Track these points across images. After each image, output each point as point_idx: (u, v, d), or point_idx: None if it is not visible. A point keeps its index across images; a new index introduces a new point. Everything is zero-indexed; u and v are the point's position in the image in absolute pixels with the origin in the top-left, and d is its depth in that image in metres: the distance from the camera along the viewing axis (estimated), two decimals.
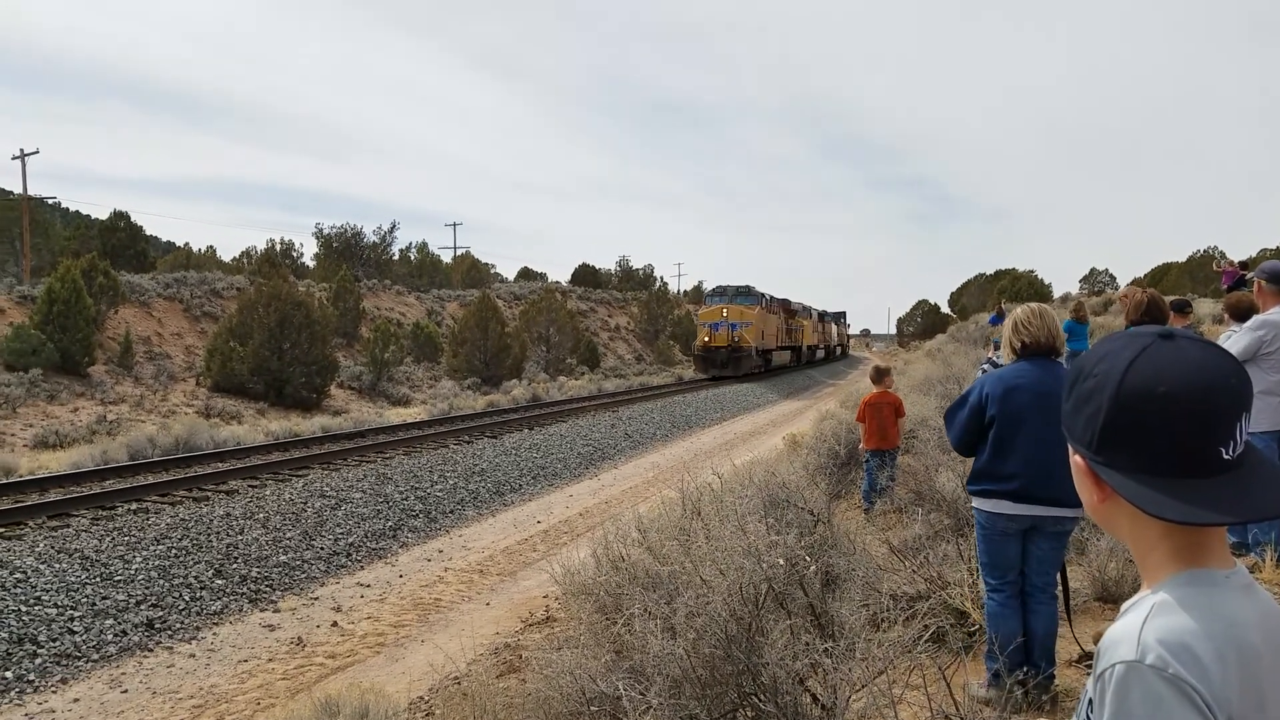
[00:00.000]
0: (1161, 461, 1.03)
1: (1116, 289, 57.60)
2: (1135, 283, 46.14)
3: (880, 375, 8.72)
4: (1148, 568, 1.11)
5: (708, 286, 50.10)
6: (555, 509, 12.63)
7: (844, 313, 76.34)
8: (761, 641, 3.47)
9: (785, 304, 42.73)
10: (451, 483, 12.70)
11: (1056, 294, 57.51)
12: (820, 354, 58.77)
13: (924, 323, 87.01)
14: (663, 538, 4.71)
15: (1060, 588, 4.02)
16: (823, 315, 58.69)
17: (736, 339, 34.16)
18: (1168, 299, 7.93)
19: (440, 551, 10.18)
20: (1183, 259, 60.99)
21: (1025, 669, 3.75)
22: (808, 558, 3.96)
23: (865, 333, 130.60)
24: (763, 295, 37.58)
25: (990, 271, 76.23)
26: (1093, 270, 72.64)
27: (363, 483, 11.54)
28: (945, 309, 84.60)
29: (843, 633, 3.79)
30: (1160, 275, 57.21)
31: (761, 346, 36.10)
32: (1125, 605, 1.10)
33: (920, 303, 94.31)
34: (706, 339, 34.63)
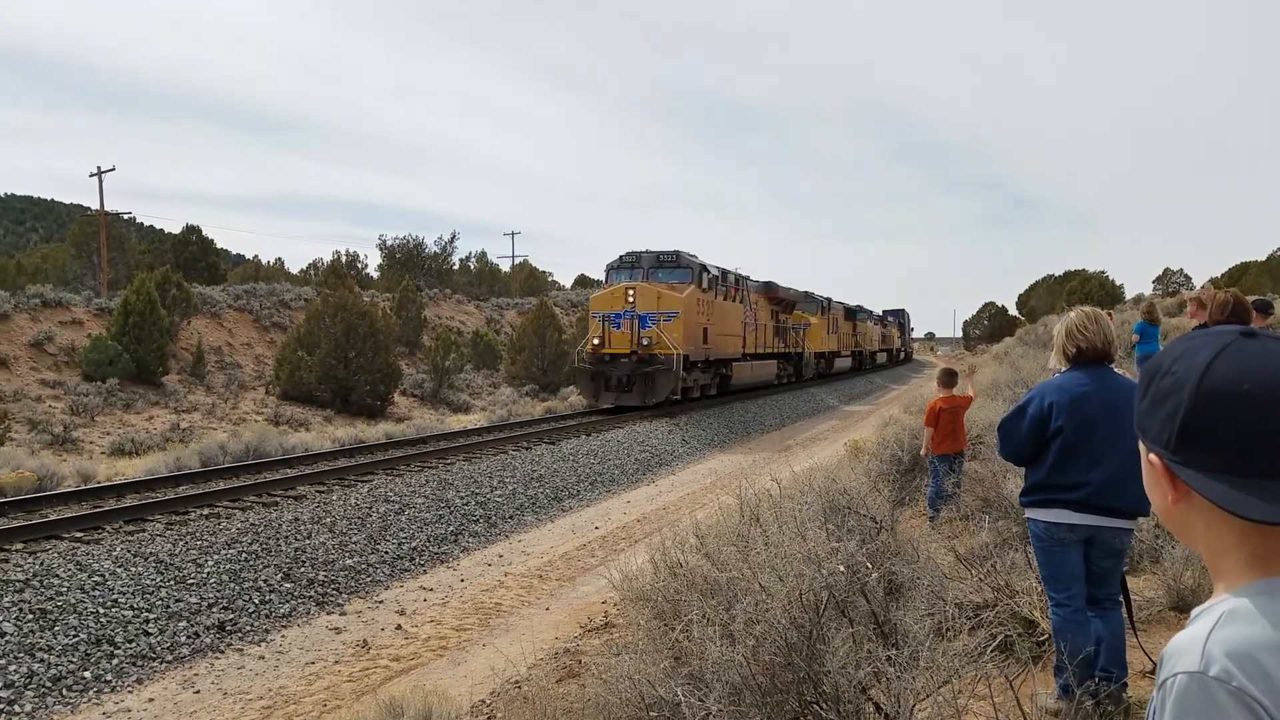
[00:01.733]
0: (1243, 460, 0.99)
1: (1192, 289, 55.71)
2: (1212, 283, 44.57)
3: (949, 378, 8.60)
4: (1220, 574, 1.06)
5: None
6: (613, 515, 12.65)
7: (902, 310, 70.00)
8: (823, 649, 3.42)
9: (771, 290, 29.63)
10: (511, 488, 12.81)
11: (1129, 295, 55.84)
12: (862, 360, 47.44)
13: (990, 325, 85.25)
14: (721, 544, 4.67)
15: (1122, 598, 3.93)
16: (862, 314, 48.16)
17: (647, 342, 20.43)
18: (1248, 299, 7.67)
19: (500, 556, 10.26)
20: (1262, 258, 58.72)
21: (1096, 679, 3.63)
22: (869, 565, 3.89)
23: (931, 336, 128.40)
24: (705, 268, 22.61)
25: (1059, 273, 74.32)
26: (1166, 270, 70.32)
27: (425, 488, 11.70)
28: (1013, 311, 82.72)
29: (907, 641, 3.71)
30: (1238, 275, 55.15)
31: (715, 353, 23.15)
32: (1194, 612, 1.06)
33: (986, 305, 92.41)
34: (597, 340, 20.82)
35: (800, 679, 3.38)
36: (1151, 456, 1.10)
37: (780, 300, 31.21)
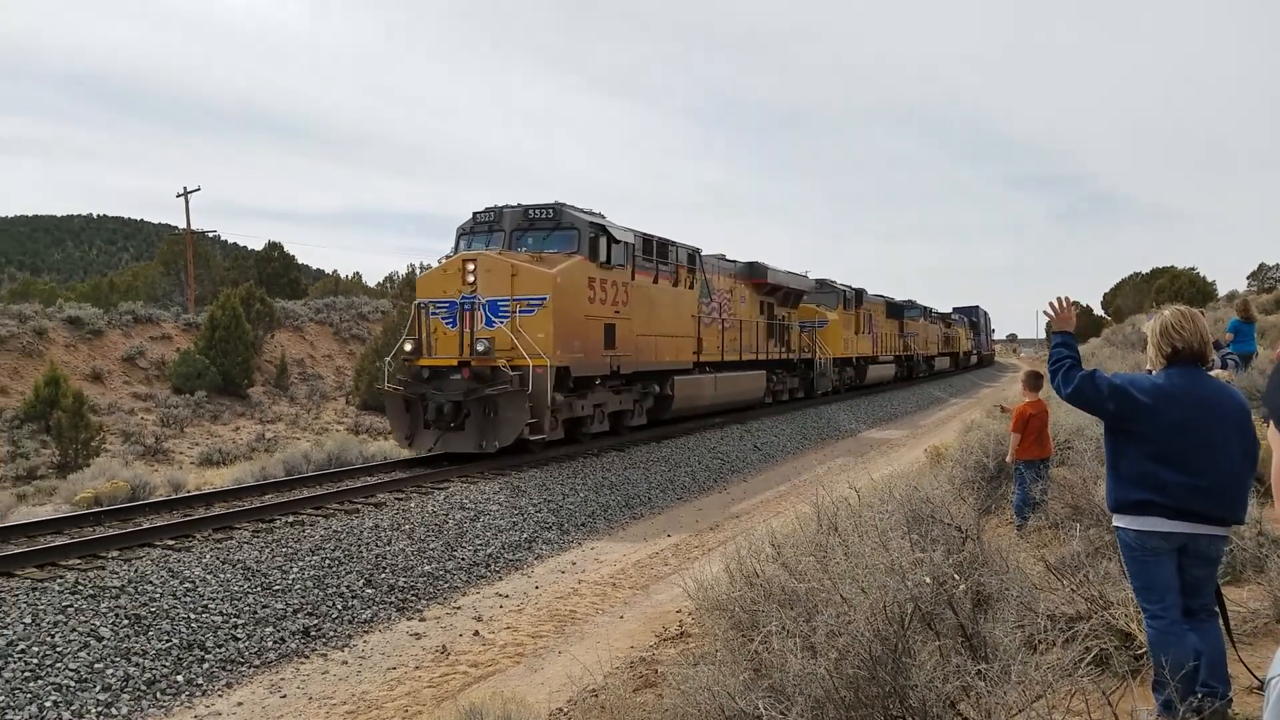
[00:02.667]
0: None
1: None
2: None
3: (1035, 381, 8.34)
4: None
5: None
6: (684, 522, 12.58)
7: (976, 308, 62.50)
8: (908, 663, 3.31)
9: (757, 274, 22.13)
10: (582, 496, 12.83)
11: (1221, 291, 53.55)
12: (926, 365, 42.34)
13: (1076, 326, 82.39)
14: (798, 553, 4.59)
15: (1218, 609, 3.78)
16: (912, 310, 40.47)
17: (483, 346, 12.78)
18: None
19: (573, 563, 10.29)
20: None
21: (1199, 695, 3.45)
22: (956, 576, 3.76)
23: (1013, 337, 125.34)
24: (606, 232, 14.63)
25: (1146, 270, 71.66)
26: (1262, 266, 67.22)
27: (499, 495, 11.81)
28: (1098, 311, 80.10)
29: (996, 654, 3.59)
30: None
31: (635, 362, 15.45)
32: None
33: (1061, 300, 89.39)
34: (410, 346, 13.52)
35: (886, 693, 3.28)
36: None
37: (774, 289, 22.95)
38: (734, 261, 21.54)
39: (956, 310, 58.76)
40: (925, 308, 43.61)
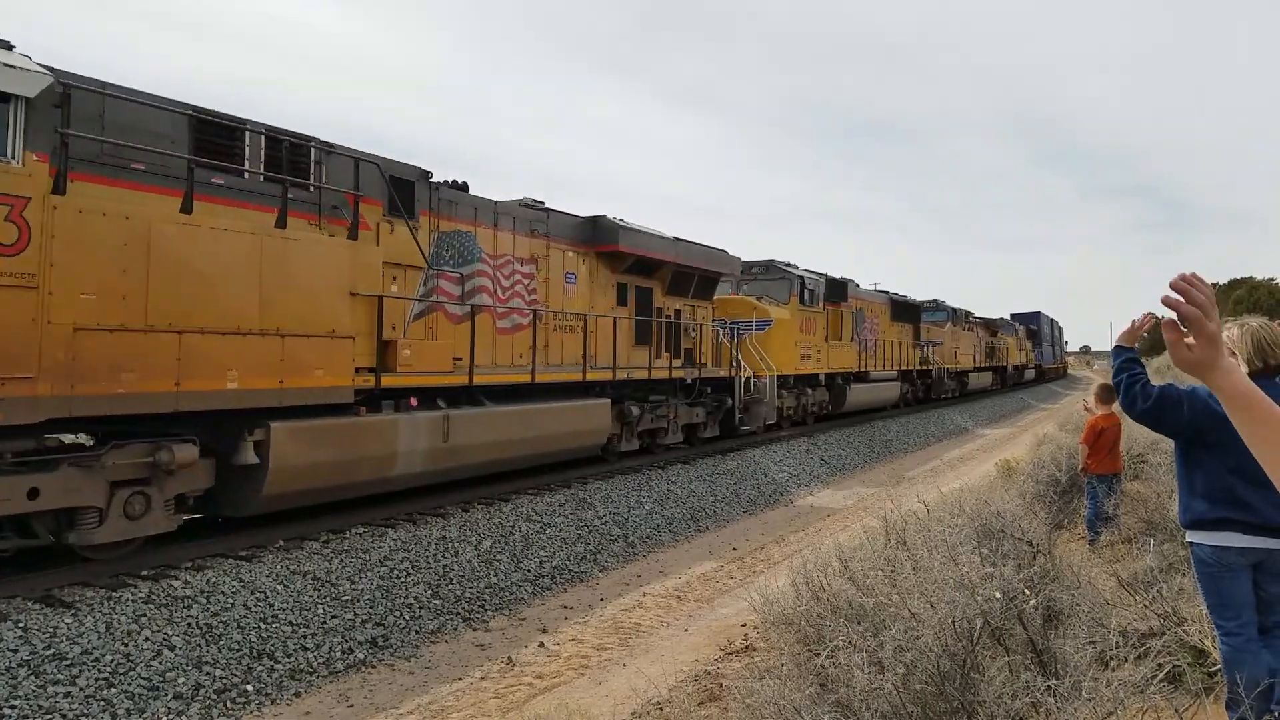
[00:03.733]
0: None
1: None
2: None
3: (1109, 394, 8.19)
4: None
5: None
6: (750, 535, 12.54)
7: (1037, 314, 55.89)
8: (977, 679, 3.28)
9: (603, 237, 14.13)
10: (647, 508, 12.88)
11: None
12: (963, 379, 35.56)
13: (1151, 338, 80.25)
14: (865, 568, 4.56)
15: None
16: (937, 313, 33.76)
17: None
18: None
19: (638, 576, 10.33)
20: None
21: (1275, 713, 3.37)
22: (1027, 591, 3.72)
23: (1085, 350, 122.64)
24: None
25: (1224, 281, 69.29)
26: None
27: (565, 506, 11.91)
28: None
29: (1067, 671, 3.54)
30: None
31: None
32: None
33: (1145, 316, 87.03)
34: None
35: (954, 709, 3.26)
36: None
37: (644, 264, 15.07)
38: (543, 210, 13.22)
39: (1014, 316, 52.71)
40: (955, 310, 35.50)
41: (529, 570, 9.95)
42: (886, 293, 29.35)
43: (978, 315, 41.07)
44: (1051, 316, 63.20)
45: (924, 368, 31.80)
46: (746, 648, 6.81)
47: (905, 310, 30.12)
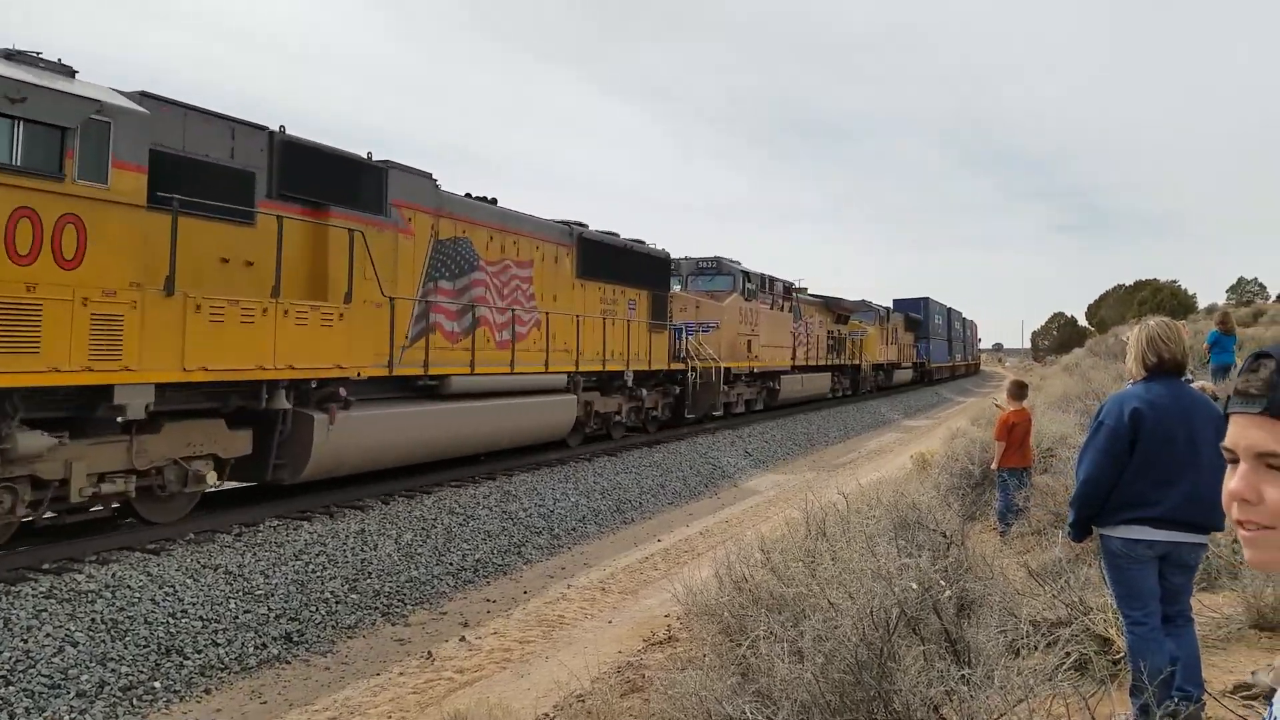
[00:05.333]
0: None
1: (1267, 298, 53.78)
2: None
3: (1020, 391, 8.50)
4: None
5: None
6: (675, 527, 12.62)
7: (924, 300, 45.89)
8: (893, 667, 3.34)
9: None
10: (573, 500, 12.84)
11: (1201, 304, 54.05)
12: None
13: (1060, 336, 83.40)
14: (787, 559, 4.62)
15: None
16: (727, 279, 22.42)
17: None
18: None
19: (562, 568, 10.29)
20: None
21: (1175, 699, 3.52)
22: (943, 581, 3.80)
23: (998, 347, 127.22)
24: None
25: (1129, 282, 72.25)
26: (1240, 279, 67.99)
27: (489, 499, 11.79)
28: (1083, 322, 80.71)
29: (979, 659, 3.63)
30: None
31: None
32: None
33: (1055, 315, 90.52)
34: None
35: (870, 697, 3.31)
36: None
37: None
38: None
39: (898, 303, 43.10)
40: (759, 277, 23.92)
41: (451, 564, 9.82)
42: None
43: (815, 293, 29.99)
44: (950, 306, 54.68)
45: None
46: (669, 639, 6.84)
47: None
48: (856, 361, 32.99)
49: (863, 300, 36.62)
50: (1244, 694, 4.10)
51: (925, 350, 45.45)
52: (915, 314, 44.64)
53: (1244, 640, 4.85)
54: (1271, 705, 0.99)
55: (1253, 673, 4.29)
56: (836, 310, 31.95)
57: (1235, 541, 5.71)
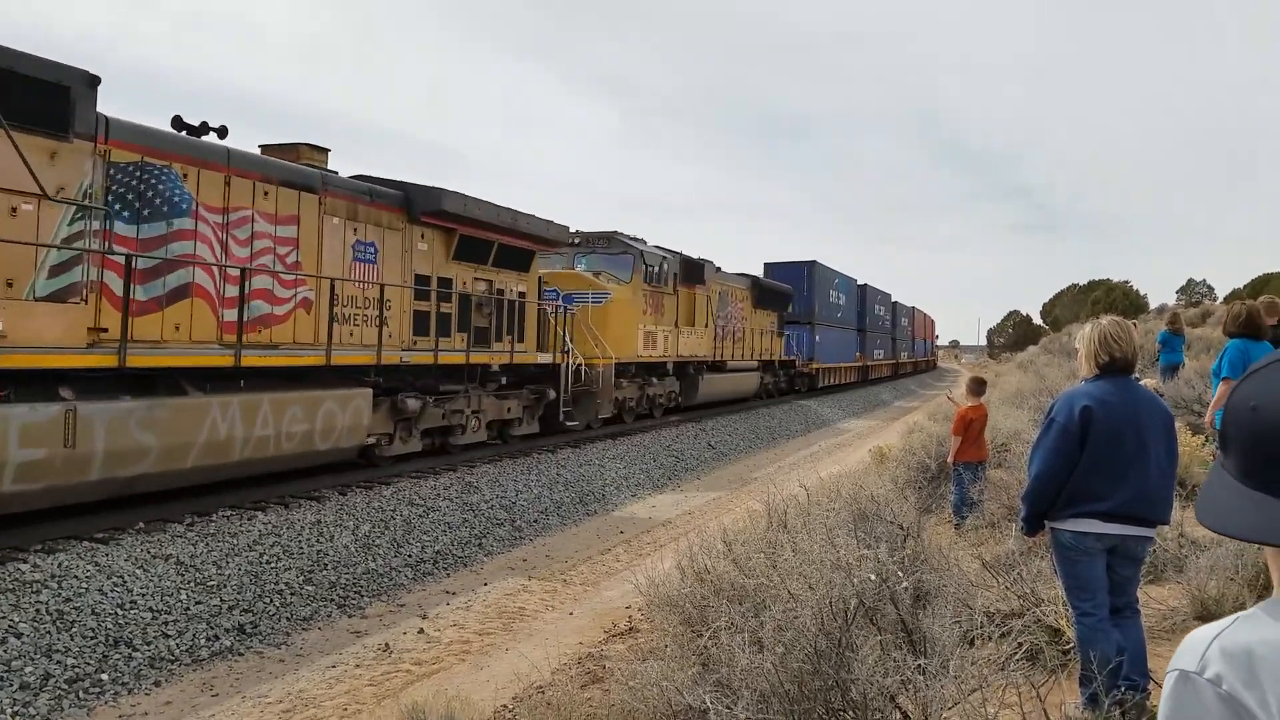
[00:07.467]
0: (1253, 477, 1.02)
1: (1215, 300, 55.24)
2: (1234, 295, 44.11)
3: (979, 387, 8.70)
4: (1274, 583, 1.07)
5: None
6: (638, 519, 12.63)
7: (809, 264, 31.36)
8: (851, 657, 3.38)
9: None
10: (536, 492, 12.80)
11: (1152, 304, 55.33)
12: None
13: (1015, 334, 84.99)
14: (748, 550, 4.65)
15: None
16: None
17: None
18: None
19: (524, 560, 10.26)
20: None
21: (1122, 689, 3.61)
22: (900, 573, 3.85)
23: (955, 344, 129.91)
24: None
25: (1083, 282, 73.73)
26: (1190, 281, 69.91)
27: (449, 490, 11.72)
28: (1037, 320, 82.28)
29: (935, 649, 3.68)
30: (1260, 287, 54.59)
31: None
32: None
33: (1011, 314, 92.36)
34: None
35: (828, 686, 3.35)
36: None
37: None
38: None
39: (772, 269, 30.66)
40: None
41: (410, 555, 9.74)
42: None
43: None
44: (890, 295, 47.84)
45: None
46: (630, 630, 6.86)
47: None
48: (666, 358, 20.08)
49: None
50: None
51: (802, 342, 30.67)
52: (784, 285, 28.76)
53: (1188, 631, 4.97)
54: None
55: None
56: (655, 275, 19.51)
57: (1181, 535, 5.86)
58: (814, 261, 32.55)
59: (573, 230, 17.69)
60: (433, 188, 12.31)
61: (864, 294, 40.62)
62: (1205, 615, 5.02)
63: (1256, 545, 1.12)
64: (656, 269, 19.31)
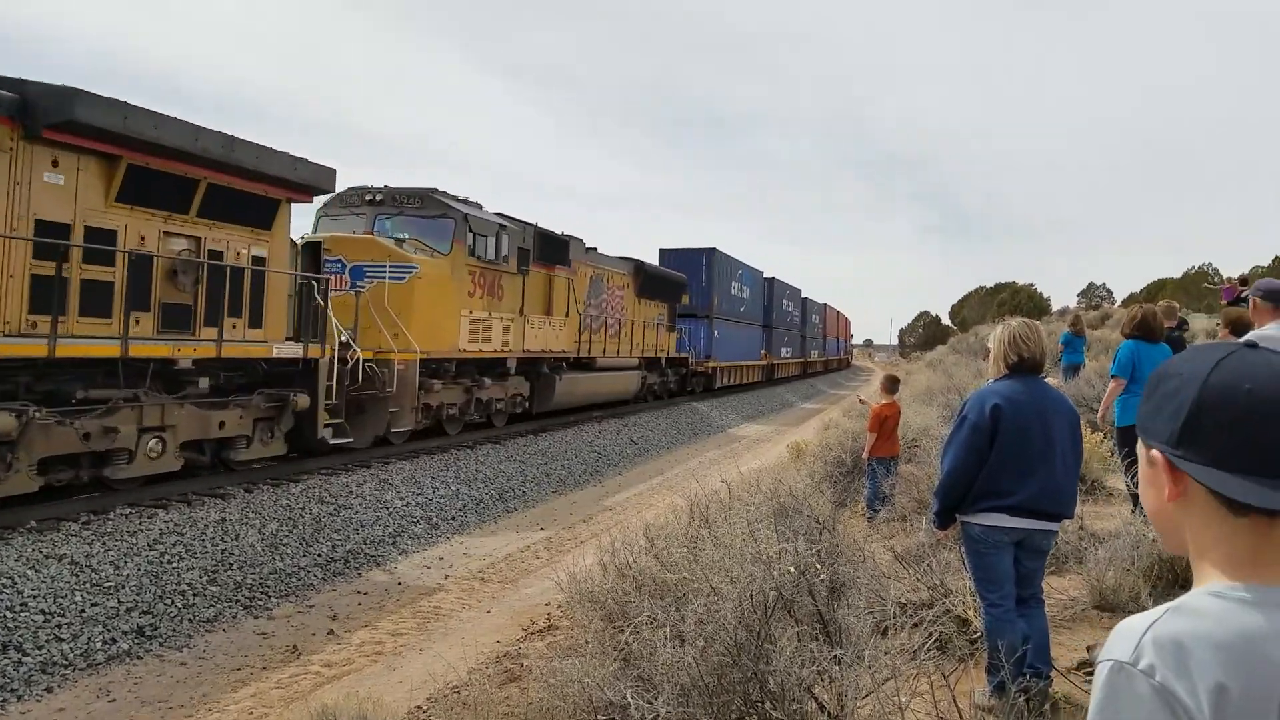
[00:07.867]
0: (1240, 457, 1.01)
1: (1114, 303, 57.89)
2: (1131, 299, 46.36)
3: (893, 385, 8.97)
4: (1198, 576, 1.08)
5: None
6: (558, 515, 12.55)
7: (709, 252, 28.05)
8: (770, 649, 3.41)
9: None
10: (454, 489, 12.60)
11: (1055, 307, 57.65)
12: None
13: (925, 334, 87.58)
14: (670, 545, 4.65)
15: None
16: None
17: None
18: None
19: (440, 559, 10.09)
20: (1178, 275, 61.28)
21: (1026, 676, 3.74)
22: (818, 565, 3.90)
23: (869, 343, 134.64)
24: None
25: (990, 284, 76.36)
26: (1090, 285, 73.22)
27: (363, 487, 11.44)
28: (946, 321, 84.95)
29: (850, 640, 3.74)
30: (1155, 291, 57.47)
31: None
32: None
33: (921, 314, 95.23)
34: None
35: (747, 678, 3.37)
36: (1153, 453, 1.11)
37: None
38: None
39: (668, 255, 28.16)
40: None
41: (320, 555, 9.48)
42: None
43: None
44: (800, 290, 45.04)
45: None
46: (549, 627, 6.80)
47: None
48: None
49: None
50: (1086, 670, 4.39)
51: (699, 338, 27.44)
52: (677, 273, 25.92)
53: (1087, 620, 5.19)
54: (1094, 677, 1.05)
55: (1089, 648, 4.61)
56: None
57: (1082, 529, 6.11)
58: (714, 249, 28.63)
59: (378, 186, 14.24)
60: (67, 87, 8.12)
61: (771, 288, 37.24)
62: (1104, 605, 5.24)
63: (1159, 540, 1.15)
64: (491, 240, 15.09)
